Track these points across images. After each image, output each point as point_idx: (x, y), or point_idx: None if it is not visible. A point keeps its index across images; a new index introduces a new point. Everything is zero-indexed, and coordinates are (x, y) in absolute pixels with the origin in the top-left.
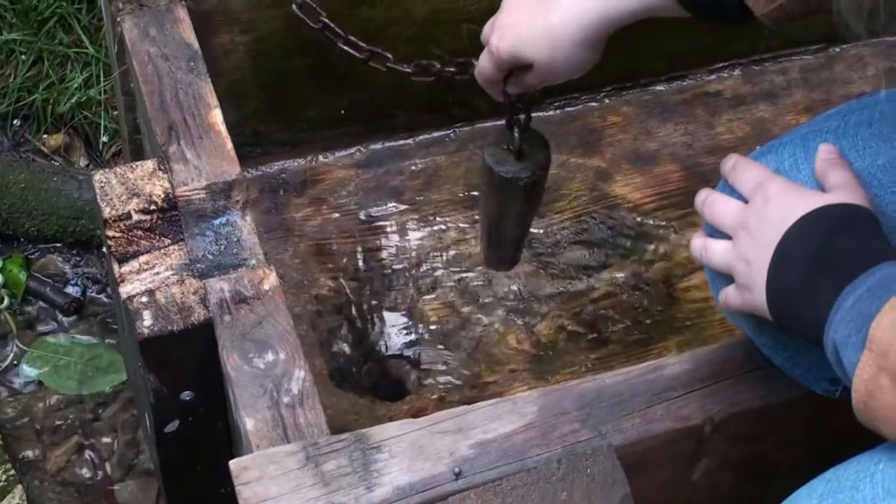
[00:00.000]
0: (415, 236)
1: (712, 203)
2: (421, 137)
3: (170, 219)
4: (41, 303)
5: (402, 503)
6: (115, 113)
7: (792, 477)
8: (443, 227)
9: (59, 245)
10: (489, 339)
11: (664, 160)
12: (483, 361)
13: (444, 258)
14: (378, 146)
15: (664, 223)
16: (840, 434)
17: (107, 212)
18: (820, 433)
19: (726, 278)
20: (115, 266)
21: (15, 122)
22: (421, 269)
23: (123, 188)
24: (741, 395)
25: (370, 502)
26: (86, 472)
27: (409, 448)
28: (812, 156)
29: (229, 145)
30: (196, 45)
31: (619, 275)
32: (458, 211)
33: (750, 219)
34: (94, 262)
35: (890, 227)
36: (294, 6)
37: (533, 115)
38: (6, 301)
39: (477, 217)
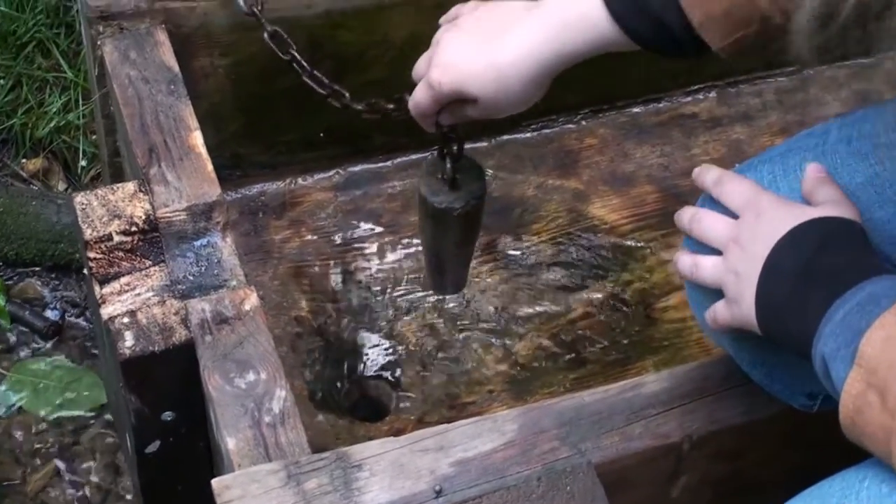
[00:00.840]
0: (393, 258)
1: (701, 219)
2: (399, 160)
3: (151, 240)
4: (20, 327)
5: None
6: (94, 137)
7: (772, 493)
8: (421, 248)
9: (37, 269)
10: (467, 359)
11: (641, 181)
12: (461, 382)
13: (423, 279)
14: (356, 168)
15: (641, 244)
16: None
17: (88, 233)
18: (799, 449)
19: (710, 296)
20: (97, 287)
21: None
22: (399, 291)
23: (104, 210)
24: (720, 412)
25: None
26: (65, 496)
27: (390, 466)
28: (791, 173)
29: (210, 167)
30: (176, 67)
31: (597, 295)
32: None
33: (741, 233)
34: (72, 285)
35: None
36: (265, 34)
37: (506, 137)
38: None
39: None
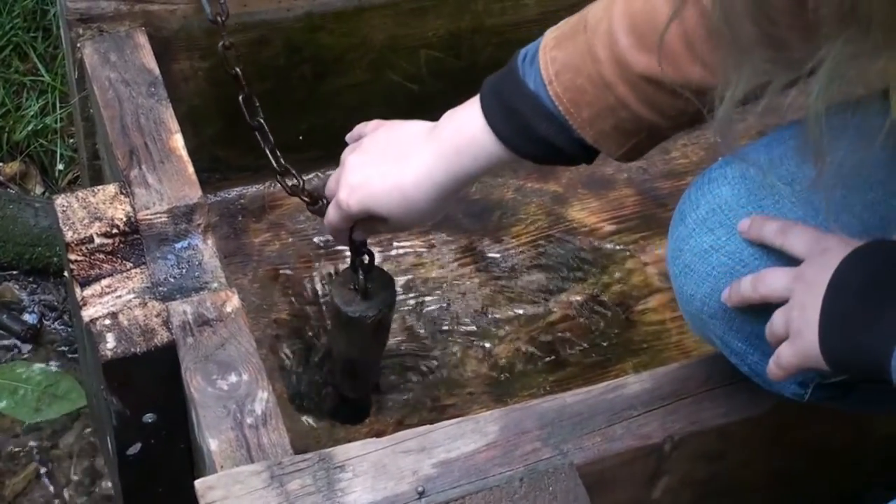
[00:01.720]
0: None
1: (762, 278)
2: None
3: (132, 242)
4: None
5: None
6: (72, 140)
7: (752, 495)
8: (400, 251)
9: (15, 273)
10: (447, 362)
11: (620, 185)
12: (442, 385)
13: (402, 283)
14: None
15: (620, 247)
16: (801, 452)
17: (69, 235)
18: (780, 451)
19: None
20: (78, 289)
21: None
22: None
23: (85, 212)
24: (701, 413)
25: None
26: (44, 499)
27: (373, 467)
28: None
29: (190, 169)
30: (157, 70)
31: (576, 298)
32: (415, 236)
33: (806, 272)
34: (50, 289)
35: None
36: (220, 45)
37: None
38: None
39: (434, 242)
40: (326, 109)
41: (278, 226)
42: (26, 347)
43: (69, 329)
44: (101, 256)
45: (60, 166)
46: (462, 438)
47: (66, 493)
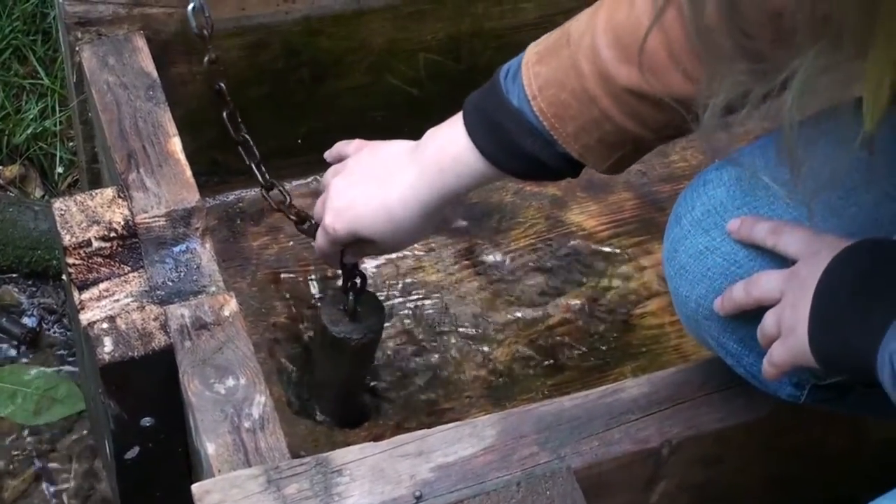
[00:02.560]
0: (371, 264)
1: (755, 281)
2: None
3: (130, 246)
4: None
5: None
6: (71, 143)
7: (749, 500)
8: (399, 254)
9: (14, 276)
10: (446, 366)
11: (619, 188)
12: (440, 388)
13: (401, 286)
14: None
15: (619, 250)
16: (797, 456)
17: (67, 239)
18: (777, 455)
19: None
20: (76, 293)
21: None
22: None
23: (83, 216)
24: (699, 417)
25: None
26: (43, 502)
27: (370, 471)
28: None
29: (188, 173)
30: (155, 74)
31: (575, 302)
32: None
33: (799, 270)
34: (50, 292)
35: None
36: (206, 59)
37: None
38: None
39: (433, 245)
40: (325, 113)
41: (277, 229)
42: (26, 350)
43: (68, 332)
44: (99, 260)
45: (60, 169)
46: (460, 443)
47: (64, 497)
